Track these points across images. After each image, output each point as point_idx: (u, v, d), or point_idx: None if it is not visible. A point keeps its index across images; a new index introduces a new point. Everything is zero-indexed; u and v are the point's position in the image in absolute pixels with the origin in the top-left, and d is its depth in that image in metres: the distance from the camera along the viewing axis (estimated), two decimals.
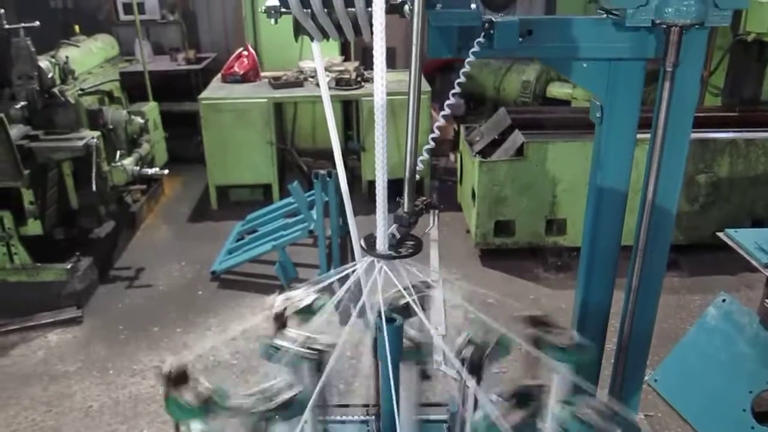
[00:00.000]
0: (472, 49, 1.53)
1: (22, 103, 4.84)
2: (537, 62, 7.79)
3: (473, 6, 1.54)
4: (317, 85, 6.12)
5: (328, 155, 4.35)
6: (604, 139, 1.82)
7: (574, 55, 1.66)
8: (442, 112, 1.53)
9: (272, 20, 1.63)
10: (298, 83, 6.19)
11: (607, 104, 1.74)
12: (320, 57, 1.84)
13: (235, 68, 6.47)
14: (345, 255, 5.13)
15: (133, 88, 6.67)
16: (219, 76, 6.68)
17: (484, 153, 5.31)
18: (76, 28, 5.93)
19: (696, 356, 3.85)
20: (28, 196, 4.72)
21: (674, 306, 4.77)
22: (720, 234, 4.08)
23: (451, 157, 7.04)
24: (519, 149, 5.10)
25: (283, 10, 1.51)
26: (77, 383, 4.06)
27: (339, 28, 1.56)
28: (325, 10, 1.42)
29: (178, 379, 1.50)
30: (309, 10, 1.44)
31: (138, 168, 5.43)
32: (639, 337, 2.21)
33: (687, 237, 5.32)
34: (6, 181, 4.56)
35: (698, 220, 5.31)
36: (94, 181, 4.89)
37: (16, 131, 4.66)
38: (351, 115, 6.94)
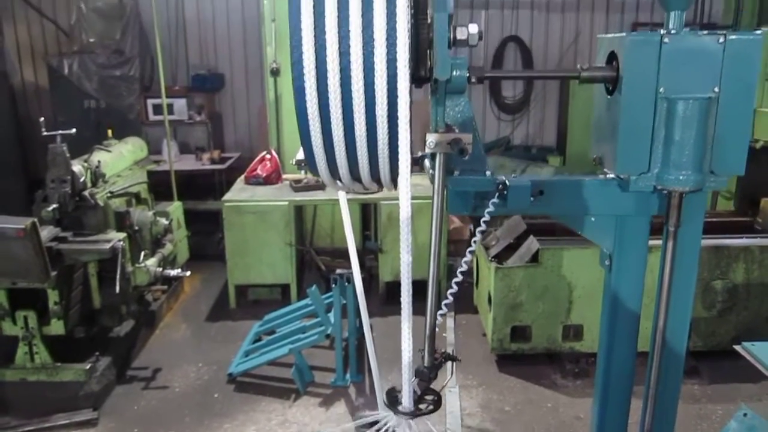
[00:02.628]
0: (487, 209, 1.65)
1: (54, 206, 5.02)
2: (551, 164, 8.01)
3: (488, 173, 1.67)
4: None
5: (346, 255, 4.46)
6: (613, 284, 1.90)
7: (582, 212, 1.77)
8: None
9: (302, 171, 1.76)
10: (318, 186, 6.38)
11: (616, 254, 1.83)
12: (345, 202, 1.98)
13: (258, 171, 6.71)
14: (362, 359, 5.16)
15: (159, 185, 6.92)
16: (242, 177, 6.91)
17: (500, 257, 5.40)
18: (110, 132, 6.22)
19: None
20: (53, 296, 4.84)
21: (695, 416, 4.69)
22: (737, 347, 4.08)
23: (468, 257, 7.12)
24: (534, 255, 5.19)
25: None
26: None
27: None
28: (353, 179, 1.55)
29: None
30: (339, 181, 1.56)
31: (161, 269, 5.56)
32: None
33: (706, 343, 5.30)
34: (34, 282, 4.69)
35: (716, 326, 5.30)
36: (118, 283, 5.02)
37: (46, 233, 4.83)
38: (369, 215, 7.11)
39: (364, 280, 4.49)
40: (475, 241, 1.67)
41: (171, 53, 9.20)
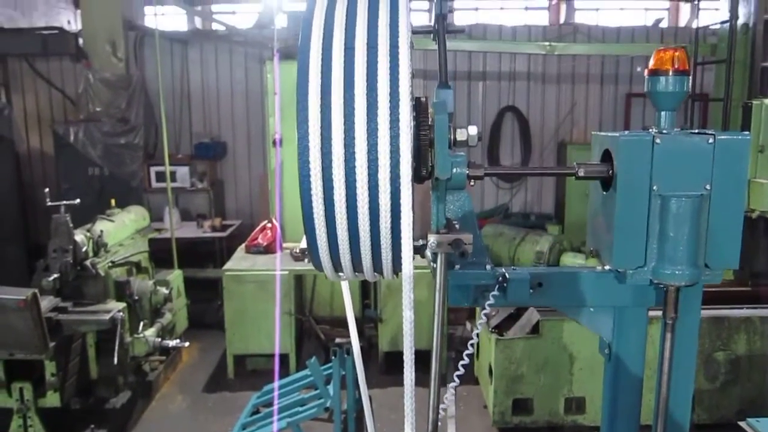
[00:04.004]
0: (488, 302, 1.69)
1: (55, 276, 5.03)
2: (550, 233, 8.05)
3: (488, 267, 1.72)
4: None
5: (346, 323, 4.44)
6: (613, 370, 1.91)
7: (580, 303, 1.81)
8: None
9: (306, 261, 1.80)
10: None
11: (615, 343, 1.86)
12: (348, 294, 2.02)
13: (259, 240, 6.76)
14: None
15: (160, 252, 6.96)
16: (243, 246, 6.96)
17: (501, 327, 5.38)
18: (113, 201, 6.30)
19: None
20: (50, 367, 4.80)
21: None
22: (741, 423, 4.03)
23: (468, 326, 7.10)
24: (535, 326, 5.18)
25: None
26: None
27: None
28: (356, 274, 1.59)
29: None
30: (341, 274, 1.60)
31: (159, 339, 5.54)
32: None
33: (711, 416, 5.23)
34: (32, 353, 4.66)
35: (720, 398, 5.25)
36: (116, 354, 4.99)
37: (46, 303, 4.83)
38: (369, 284, 7.12)
39: (363, 349, 4.47)
40: (480, 324, 1.68)
41: (175, 122, 9.40)
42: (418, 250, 1.71)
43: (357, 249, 1.47)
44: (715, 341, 5.20)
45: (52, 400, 4.86)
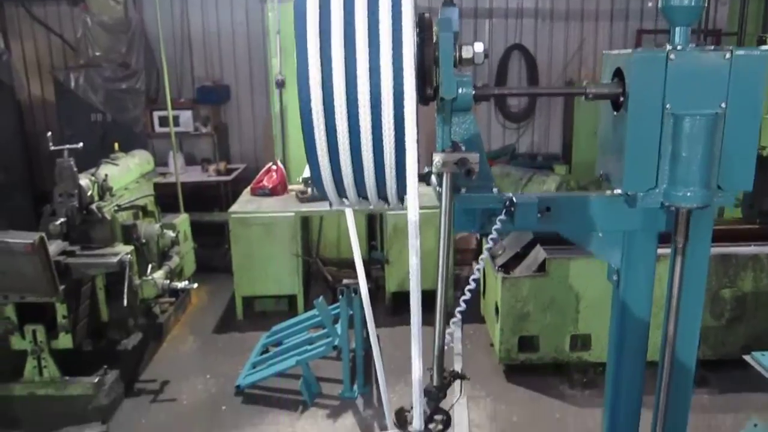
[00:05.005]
0: (495, 227, 1.65)
1: (62, 220, 5.03)
2: (557, 173, 8.00)
3: (495, 190, 1.68)
4: None
5: (353, 265, 4.42)
6: (621, 298, 1.90)
7: (589, 229, 1.77)
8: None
9: (309, 189, 1.76)
10: (324, 198, 6.38)
11: (623, 270, 1.83)
12: (352, 219, 1.99)
13: (264, 182, 6.72)
14: (369, 370, 5.15)
15: (166, 197, 6.94)
16: (248, 189, 6.93)
17: (507, 267, 5.39)
18: (116, 145, 6.25)
19: None
20: (61, 310, 4.85)
21: (705, 426, 4.66)
22: (746, 357, 4.06)
23: (474, 266, 7.11)
24: (541, 265, 5.17)
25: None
26: None
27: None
28: (360, 198, 1.55)
29: None
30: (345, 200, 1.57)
31: (168, 281, 5.58)
32: None
33: (715, 353, 5.26)
34: (42, 296, 4.70)
35: (725, 335, 5.26)
36: (125, 296, 5.03)
37: (54, 247, 4.84)
38: (375, 225, 7.12)
39: (370, 290, 4.47)
40: (482, 259, 1.66)
41: (176, 66, 9.25)
42: (423, 178, 1.67)
43: (360, 170, 1.43)
44: (722, 279, 5.19)
45: (65, 341, 4.92)
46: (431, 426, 1.48)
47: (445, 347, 1.53)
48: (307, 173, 1.68)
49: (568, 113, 9.42)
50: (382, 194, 1.52)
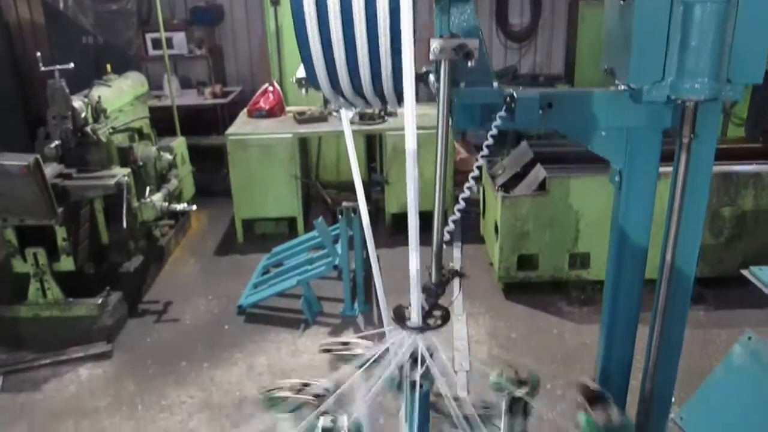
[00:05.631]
0: (495, 123, 1.60)
1: (57, 142, 4.97)
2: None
3: (495, 84, 1.61)
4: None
5: (352, 188, 4.38)
6: (623, 200, 1.86)
7: (592, 126, 1.72)
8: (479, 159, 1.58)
9: (303, 90, 1.71)
10: (322, 118, 6.31)
11: (626, 170, 1.79)
12: (347, 119, 1.94)
13: (261, 104, 6.61)
14: (369, 289, 5.20)
15: (161, 122, 6.85)
16: (245, 111, 6.83)
17: (507, 186, 5.36)
18: (108, 67, 6.11)
19: (722, 396, 3.81)
20: (61, 233, 4.86)
21: (701, 341, 4.73)
22: (744, 271, 4.07)
23: (474, 188, 7.09)
24: (541, 184, 5.14)
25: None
26: (108, 418, 4.14)
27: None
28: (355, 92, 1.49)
29: None
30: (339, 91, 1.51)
31: (167, 204, 5.57)
32: (665, 373, 2.23)
33: (713, 270, 5.29)
34: (41, 219, 4.70)
35: (724, 253, 5.28)
36: (124, 218, 5.03)
37: (50, 170, 4.80)
38: (374, 147, 7.05)
39: (370, 212, 4.46)
40: (479, 160, 1.61)
41: None
42: (421, 78, 1.61)
43: (354, 56, 1.36)
44: (722, 197, 5.16)
45: (66, 264, 4.95)
46: (429, 321, 1.48)
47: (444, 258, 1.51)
48: (300, 72, 1.60)
49: (571, 31, 9.17)
50: (378, 88, 1.46)
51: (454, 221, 1.50)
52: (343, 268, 5.05)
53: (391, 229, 6.39)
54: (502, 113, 1.61)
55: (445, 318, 1.51)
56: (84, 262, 5.19)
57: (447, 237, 1.50)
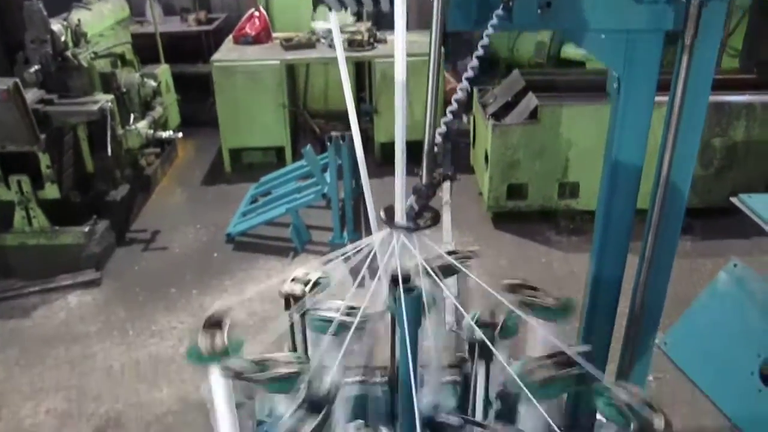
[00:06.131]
0: (491, 22, 1.53)
1: (36, 67, 4.82)
2: None
3: None
4: (330, 46, 6.13)
5: (340, 117, 4.32)
6: (620, 110, 1.82)
7: (592, 26, 1.65)
8: (463, 80, 1.51)
9: None
10: (310, 45, 6.15)
11: (625, 76, 1.74)
12: (337, 24, 1.86)
13: (247, 30, 6.42)
14: (358, 218, 5.18)
15: (144, 50, 6.65)
16: (230, 37, 6.64)
17: (498, 115, 5.29)
18: None
19: (706, 321, 3.89)
20: (45, 160, 4.76)
21: (687, 270, 4.78)
22: (733, 199, 4.08)
23: (465, 118, 7.01)
24: (532, 112, 5.08)
25: None
26: (98, 343, 4.17)
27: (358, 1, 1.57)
28: None
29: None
30: None
31: (152, 131, 5.46)
32: (651, 301, 2.25)
33: (701, 200, 5.30)
34: (23, 145, 4.60)
35: (713, 183, 5.29)
36: (109, 145, 4.94)
37: (31, 95, 4.67)
38: (363, 76, 6.90)
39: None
40: (461, 90, 1.51)
41: None
42: None
43: None
44: (713, 128, 5.13)
45: (51, 192, 4.88)
46: (420, 221, 1.45)
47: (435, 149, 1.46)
48: None
49: None
50: None
51: (446, 123, 1.45)
52: (332, 196, 5.01)
53: (380, 160, 6.34)
54: (500, 12, 1.54)
55: (435, 219, 1.48)
56: (69, 191, 5.12)
57: (438, 139, 1.45)
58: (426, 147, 1.38)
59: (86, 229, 4.91)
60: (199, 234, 5.41)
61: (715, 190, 5.29)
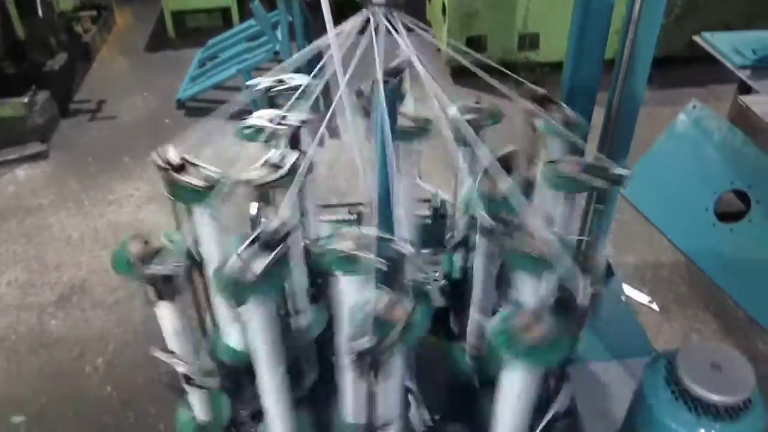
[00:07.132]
0: None
1: None
2: None
3: None
4: None
5: None
6: None
7: None
8: None
9: None
10: None
11: None
12: None
13: None
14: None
15: None
16: None
17: None
18: None
19: (664, 162, 3.95)
20: None
21: (645, 116, 4.75)
22: (696, 37, 4.04)
23: None
24: None
25: None
26: (53, 215, 4.04)
27: None
28: None
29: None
30: None
31: None
32: (618, 147, 2.28)
33: (660, 50, 5.22)
34: None
35: (672, 32, 5.20)
36: (39, 7, 4.57)
37: None
38: None
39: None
40: None
41: None
42: None
43: None
44: None
45: None
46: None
47: None
48: None
49: None
50: None
51: None
52: (284, 55, 4.78)
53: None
54: None
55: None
56: (1, 61, 4.78)
57: None
58: None
59: (26, 99, 4.63)
60: (147, 101, 5.17)
61: (674, 39, 5.22)
